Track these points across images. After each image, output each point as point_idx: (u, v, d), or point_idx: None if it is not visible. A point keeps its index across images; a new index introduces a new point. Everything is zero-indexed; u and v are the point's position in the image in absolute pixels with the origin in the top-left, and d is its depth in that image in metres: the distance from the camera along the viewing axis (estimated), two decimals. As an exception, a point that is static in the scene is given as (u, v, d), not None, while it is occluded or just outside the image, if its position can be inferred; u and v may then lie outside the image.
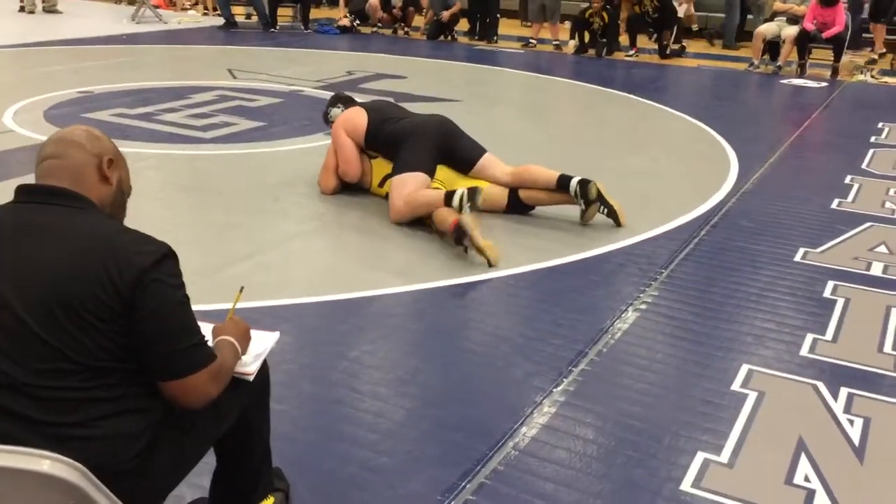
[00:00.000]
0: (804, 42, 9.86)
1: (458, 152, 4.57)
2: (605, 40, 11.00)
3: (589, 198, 4.30)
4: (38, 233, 1.59)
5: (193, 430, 1.73)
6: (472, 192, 3.97)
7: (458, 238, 3.86)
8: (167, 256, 1.62)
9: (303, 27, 12.28)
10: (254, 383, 1.88)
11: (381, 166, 4.67)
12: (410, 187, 4.25)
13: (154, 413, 1.63)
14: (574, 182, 4.32)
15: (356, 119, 4.69)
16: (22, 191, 1.67)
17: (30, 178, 1.74)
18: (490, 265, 3.80)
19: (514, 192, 4.49)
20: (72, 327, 1.52)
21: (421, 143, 4.44)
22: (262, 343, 1.96)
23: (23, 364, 1.51)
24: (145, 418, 1.61)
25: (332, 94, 5.38)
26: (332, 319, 3.33)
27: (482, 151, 4.61)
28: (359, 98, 5.35)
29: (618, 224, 4.38)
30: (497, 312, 3.52)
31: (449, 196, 4.03)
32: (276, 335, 2.02)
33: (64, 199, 1.64)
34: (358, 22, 12.57)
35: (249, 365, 1.87)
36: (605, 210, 4.39)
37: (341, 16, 12.59)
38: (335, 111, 5.01)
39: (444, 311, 3.49)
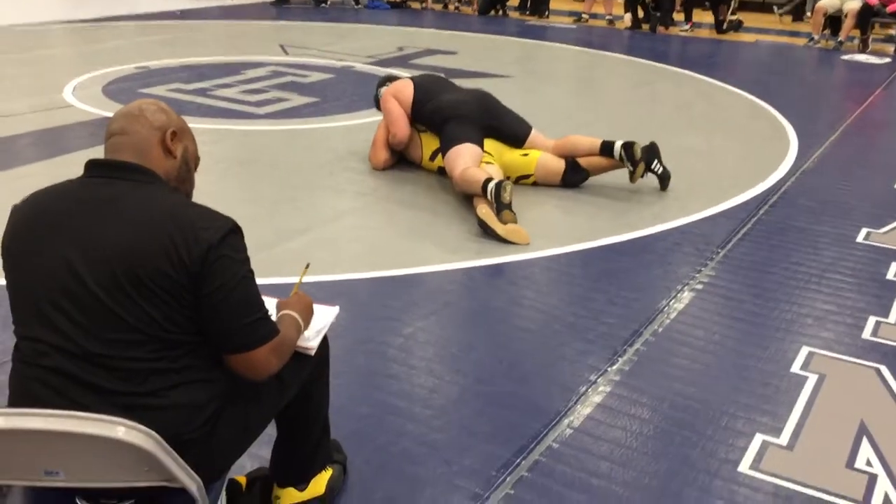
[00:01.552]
0: (867, 16, 9.55)
1: (504, 128, 4.60)
2: (658, 14, 10.80)
3: (635, 158, 4.40)
4: (104, 207, 1.61)
5: (257, 401, 1.76)
6: (498, 188, 3.93)
7: (484, 230, 3.89)
8: (233, 231, 1.63)
9: (354, 2, 12.27)
10: (315, 357, 1.90)
11: (430, 139, 4.69)
12: (466, 159, 4.26)
13: (219, 384, 1.66)
14: (618, 145, 4.43)
15: (405, 89, 4.78)
16: (90, 166, 1.70)
17: (90, 152, 1.78)
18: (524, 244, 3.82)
19: (570, 160, 4.55)
20: (140, 300, 1.55)
21: (463, 118, 4.46)
22: (322, 318, 1.98)
23: (95, 334, 1.55)
24: (211, 389, 1.64)
25: (382, 76, 5.36)
26: (386, 295, 3.36)
27: (529, 128, 4.65)
28: (410, 74, 5.33)
29: (663, 187, 4.53)
30: (549, 291, 3.51)
31: (486, 183, 4.03)
32: (335, 310, 2.04)
33: (129, 174, 1.67)
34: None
35: (311, 340, 1.90)
36: (660, 168, 4.50)
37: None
38: (383, 90, 4.99)
39: (496, 288, 3.49)
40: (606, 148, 4.46)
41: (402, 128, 4.71)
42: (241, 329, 1.63)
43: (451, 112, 4.49)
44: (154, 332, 1.56)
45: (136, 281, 1.55)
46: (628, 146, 4.40)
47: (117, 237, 1.57)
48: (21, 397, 1.57)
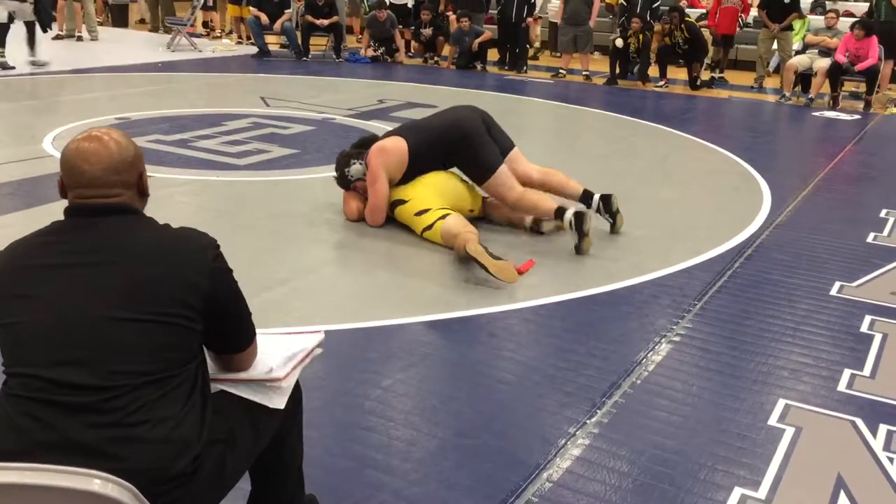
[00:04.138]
0: (836, 74, 9.81)
1: (499, 143, 4.76)
2: (638, 62, 11.11)
3: (612, 210, 4.71)
4: (101, 243, 1.65)
5: (234, 446, 1.75)
6: (580, 218, 4.29)
7: (477, 264, 3.94)
8: (217, 246, 1.79)
9: (334, 56, 12.43)
10: (287, 402, 1.88)
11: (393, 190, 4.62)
12: (515, 182, 4.59)
13: (206, 425, 1.67)
14: (597, 198, 4.72)
15: (397, 146, 4.55)
16: (70, 212, 1.72)
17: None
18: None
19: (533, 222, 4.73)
20: (155, 329, 1.60)
21: (483, 136, 4.66)
22: (297, 344, 1.96)
23: (98, 368, 1.56)
24: (200, 428, 1.65)
25: (340, 154, 4.84)
26: (365, 347, 3.35)
27: (512, 145, 4.86)
28: (390, 127, 5.37)
29: (613, 231, 4.72)
30: (528, 342, 3.51)
31: (560, 212, 4.36)
32: (320, 336, 2.02)
33: (111, 214, 1.71)
34: (387, 55, 12.58)
35: (276, 370, 1.86)
36: (610, 218, 4.71)
37: (364, 47, 12.64)
38: (356, 168, 4.66)
39: (475, 340, 3.49)
40: (585, 198, 4.72)
41: (380, 218, 4.66)
42: (246, 329, 1.82)
43: (461, 131, 4.63)
44: (163, 363, 1.60)
45: (149, 312, 1.60)
46: (606, 199, 4.69)
47: (125, 270, 1.62)
48: (7, 431, 1.55)
